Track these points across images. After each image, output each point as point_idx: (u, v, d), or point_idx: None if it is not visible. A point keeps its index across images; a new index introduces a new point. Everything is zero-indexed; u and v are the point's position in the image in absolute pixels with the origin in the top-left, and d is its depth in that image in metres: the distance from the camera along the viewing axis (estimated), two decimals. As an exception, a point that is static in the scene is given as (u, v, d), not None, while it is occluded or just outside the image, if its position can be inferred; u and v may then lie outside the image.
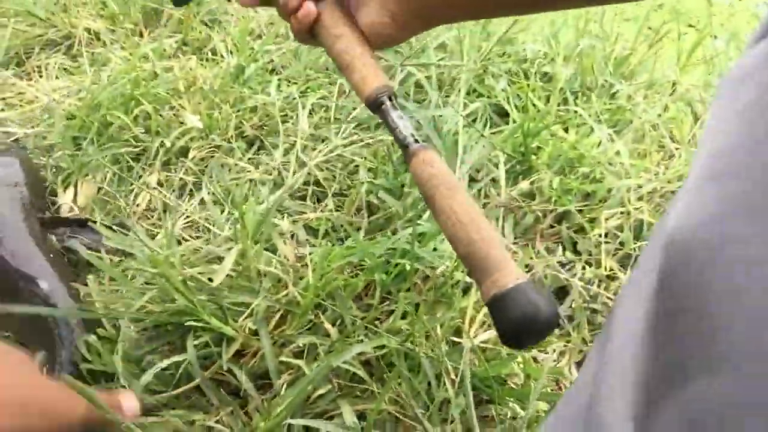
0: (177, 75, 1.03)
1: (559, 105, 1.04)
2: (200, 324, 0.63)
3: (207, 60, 1.14)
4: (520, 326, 0.42)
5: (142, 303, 0.64)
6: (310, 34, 0.60)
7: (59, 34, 1.16)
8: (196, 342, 0.63)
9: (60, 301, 0.68)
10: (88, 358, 0.62)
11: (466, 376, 0.62)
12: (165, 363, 0.62)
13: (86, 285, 0.71)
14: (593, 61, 1.14)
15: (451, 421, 0.60)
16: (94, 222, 0.79)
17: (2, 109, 1.00)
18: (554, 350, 0.73)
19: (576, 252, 0.86)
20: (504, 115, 1.04)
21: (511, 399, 0.64)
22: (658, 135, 1.04)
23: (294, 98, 1.02)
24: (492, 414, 0.63)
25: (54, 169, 0.88)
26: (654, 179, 0.93)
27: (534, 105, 1.02)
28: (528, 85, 1.06)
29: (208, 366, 0.64)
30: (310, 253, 0.74)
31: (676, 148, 1.01)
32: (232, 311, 0.67)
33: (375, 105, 0.56)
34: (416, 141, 0.53)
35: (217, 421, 0.62)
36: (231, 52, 1.15)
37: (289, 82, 1.09)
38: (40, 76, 1.09)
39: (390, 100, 0.55)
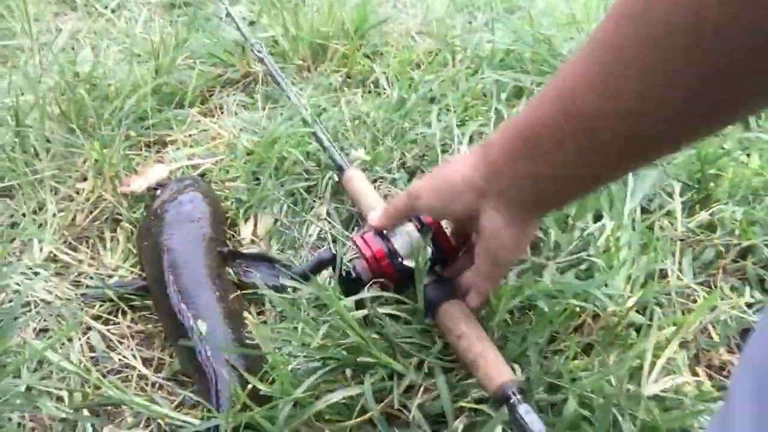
0: (343, 110, 1.08)
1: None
2: (373, 360, 0.65)
3: (370, 92, 1.18)
4: None
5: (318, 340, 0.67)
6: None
7: (237, 74, 1.26)
8: (372, 380, 0.65)
9: (215, 343, 0.72)
10: (249, 404, 0.65)
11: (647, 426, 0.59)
12: (340, 395, 0.64)
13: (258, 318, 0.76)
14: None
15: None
16: (271, 259, 0.85)
17: (190, 145, 1.10)
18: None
19: (764, 291, 0.78)
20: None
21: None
22: None
23: (452, 129, 1.03)
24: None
25: (235, 202, 0.95)
26: None
27: (712, 128, 0.95)
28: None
29: (381, 399, 0.66)
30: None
31: None
32: (400, 347, 0.69)
33: (502, 400, 0.60)
34: None
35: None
36: (392, 83, 1.19)
37: (448, 110, 1.10)
38: (222, 113, 1.19)
39: (515, 395, 0.59)
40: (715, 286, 0.78)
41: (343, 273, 0.73)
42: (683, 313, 0.73)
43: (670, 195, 0.86)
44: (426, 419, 0.65)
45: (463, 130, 1.02)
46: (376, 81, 1.22)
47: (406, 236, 0.72)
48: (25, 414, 0.71)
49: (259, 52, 1.18)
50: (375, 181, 0.98)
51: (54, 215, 0.96)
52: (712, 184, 0.88)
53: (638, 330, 0.72)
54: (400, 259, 0.71)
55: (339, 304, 0.65)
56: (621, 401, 0.61)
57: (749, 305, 0.76)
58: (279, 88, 1.12)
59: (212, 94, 1.24)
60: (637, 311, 0.72)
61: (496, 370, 0.62)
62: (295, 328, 0.70)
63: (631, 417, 0.61)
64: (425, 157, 1.02)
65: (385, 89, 1.18)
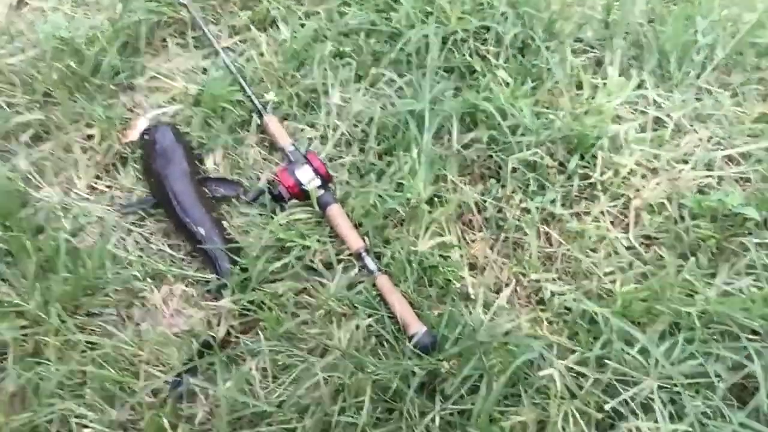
0: (255, 60, 1.62)
1: None
2: (294, 243, 1.33)
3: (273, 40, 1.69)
4: None
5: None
6: None
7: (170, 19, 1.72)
8: (295, 252, 1.34)
9: (212, 240, 1.36)
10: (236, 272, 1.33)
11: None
12: (280, 262, 1.33)
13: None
14: None
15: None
16: (228, 179, 1.47)
17: (152, 90, 1.62)
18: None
19: (498, 178, 1.48)
20: None
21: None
22: None
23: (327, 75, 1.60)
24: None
25: (197, 142, 1.53)
26: None
27: None
28: None
29: (302, 259, 1.35)
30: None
31: None
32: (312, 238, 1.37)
33: (358, 255, 1.31)
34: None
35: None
36: (285, 21, 1.70)
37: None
38: (165, 51, 1.69)
39: (365, 252, 1.30)
40: (472, 182, 1.47)
41: (273, 193, 1.39)
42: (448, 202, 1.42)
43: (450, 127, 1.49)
44: (324, 266, 1.35)
45: (336, 73, 1.60)
46: (274, 20, 1.73)
47: (305, 173, 1.37)
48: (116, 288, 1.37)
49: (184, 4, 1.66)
50: (285, 117, 1.57)
51: (80, 157, 1.52)
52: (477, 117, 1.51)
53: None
54: (302, 186, 1.37)
55: (275, 222, 1.32)
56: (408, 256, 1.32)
57: (487, 191, 1.45)
58: (206, 38, 1.63)
59: (153, 35, 1.72)
60: (427, 202, 1.41)
61: (354, 239, 1.33)
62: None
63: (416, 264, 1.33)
64: (314, 92, 1.60)
65: (280, 29, 1.70)
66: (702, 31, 1.71)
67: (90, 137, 1.54)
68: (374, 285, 1.31)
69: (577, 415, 1.14)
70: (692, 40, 1.68)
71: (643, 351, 1.18)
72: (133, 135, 1.51)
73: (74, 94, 1.56)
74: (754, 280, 1.31)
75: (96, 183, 1.51)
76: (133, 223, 1.46)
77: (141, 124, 1.53)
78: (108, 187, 1.51)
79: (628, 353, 1.18)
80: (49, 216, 1.42)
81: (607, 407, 1.13)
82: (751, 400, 1.15)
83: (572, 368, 1.19)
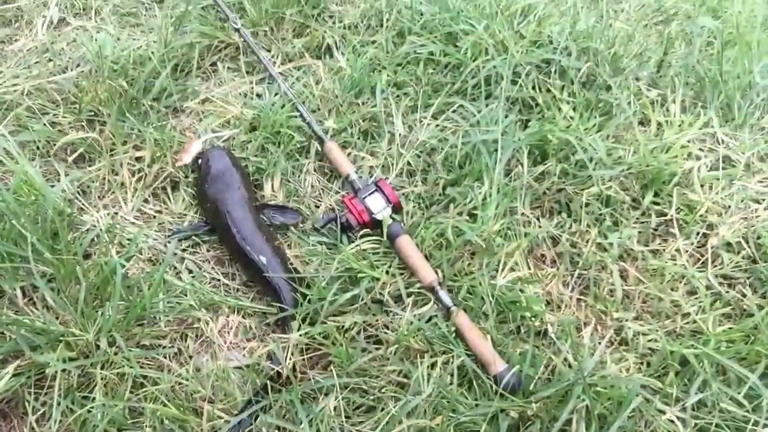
0: (312, 87, 1.56)
1: None
2: (364, 274, 1.25)
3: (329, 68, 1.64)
4: None
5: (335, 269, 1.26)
6: None
7: (222, 43, 1.67)
8: (364, 284, 1.25)
9: (275, 269, 1.27)
10: (301, 301, 1.24)
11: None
12: (349, 294, 1.24)
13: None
14: None
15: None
16: (287, 207, 1.40)
17: (204, 114, 1.56)
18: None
19: (569, 213, 1.42)
20: None
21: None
22: None
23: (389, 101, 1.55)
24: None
25: (253, 167, 1.46)
26: None
27: None
28: None
29: (369, 291, 1.27)
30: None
31: None
32: (378, 266, 1.29)
33: (430, 288, 1.23)
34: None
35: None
36: (339, 49, 1.66)
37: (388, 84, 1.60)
38: (215, 75, 1.63)
39: (438, 285, 1.24)
40: (543, 216, 1.41)
41: (341, 222, 1.32)
42: (525, 235, 1.36)
43: (520, 159, 1.44)
44: (393, 300, 1.27)
45: (397, 102, 1.55)
46: (328, 48, 1.68)
47: (376, 201, 1.30)
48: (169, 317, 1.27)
49: (235, 24, 1.60)
50: (345, 145, 1.50)
51: (129, 179, 1.43)
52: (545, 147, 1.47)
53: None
54: (373, 214, 1.30)
55: (346, 251, 1.24)
56: (487, 290, 1.25)
57: (560, 225, 1.39)
58: (258, 64, 1.57)
59: (204, 59, 1.66)
60: (499, 234, 1.34)
61: (426, 271, 1.25)
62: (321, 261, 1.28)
63: (494, 299, 1.25)
64: (373, 121, 1.55)
65: (336, 58, 1.65)
66: (759, 72, 1.69)
67: (139, 159, 1.46)
68: (448, 320, 1.23)
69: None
70: (751, 81, 1.67)
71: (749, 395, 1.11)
72: (187, 158, 1.44)
73: (125, 114, 1.48)
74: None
75: (144, 207, 1.42)
76: (185, 249, 1.37)
77: (195, 147, 1.45)
78: (157, 212, 1.42)
79: (731, 396, 1.10)
80: (96, 240, 1.33)
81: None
82: None
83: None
